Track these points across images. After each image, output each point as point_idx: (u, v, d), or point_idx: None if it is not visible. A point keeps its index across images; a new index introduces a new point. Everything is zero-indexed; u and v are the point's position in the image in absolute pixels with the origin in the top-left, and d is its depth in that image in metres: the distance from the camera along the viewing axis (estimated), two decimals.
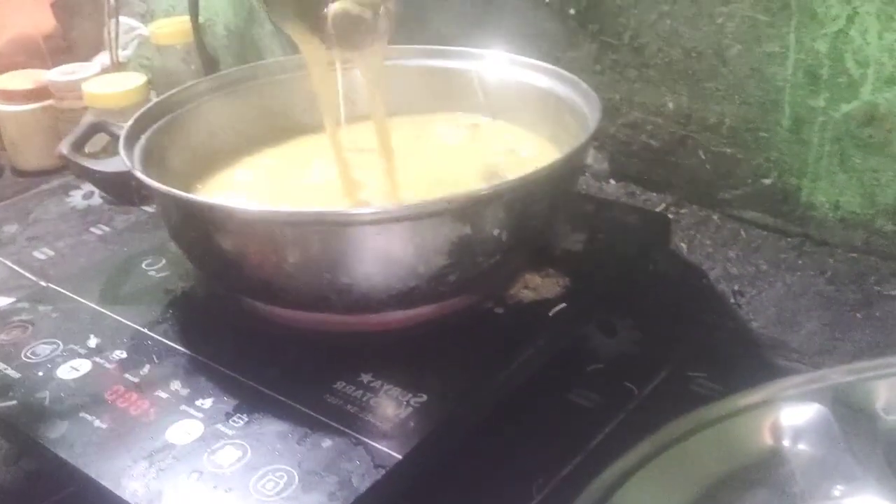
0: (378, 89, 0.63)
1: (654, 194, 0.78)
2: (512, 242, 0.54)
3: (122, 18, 1.03)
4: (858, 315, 0.64)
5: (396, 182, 0.63)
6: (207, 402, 0.50)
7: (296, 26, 0.59)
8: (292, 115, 0.71)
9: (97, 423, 0.49)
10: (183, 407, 0.50)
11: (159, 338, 0.56)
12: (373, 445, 0.46)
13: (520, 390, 0.54)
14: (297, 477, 0.45)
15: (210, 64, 0.97)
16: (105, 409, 0.50)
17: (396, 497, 0.47)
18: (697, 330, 0.64)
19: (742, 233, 0.73)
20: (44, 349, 0.56)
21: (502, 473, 0.52)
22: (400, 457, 0.46)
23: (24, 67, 1.03)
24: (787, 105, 0.68)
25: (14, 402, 0.52)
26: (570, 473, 0.51)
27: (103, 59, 1.02)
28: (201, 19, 0.98)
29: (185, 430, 0.48)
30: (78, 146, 0.62)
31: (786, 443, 0.48)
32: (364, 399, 0.50)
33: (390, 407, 0.49)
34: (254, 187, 0.66)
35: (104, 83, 0.89)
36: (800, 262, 0.69)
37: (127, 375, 0.53)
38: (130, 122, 0.62)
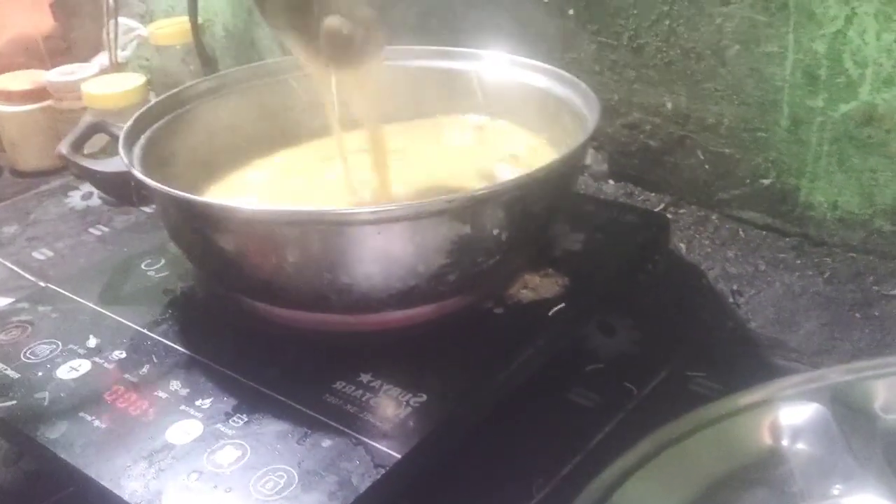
0: (373, 101, 0.62)
1: (653, 194, 0.78)
2: (511, 242, 0.54)
3: (121, 19, 1.03)
4: (857, 315, 0.64)
5: (388, 183, 0.62)
6: (207, 402, 0.50)
7: (292, 36, 0.58)
8: (292, 116, 0.71)
9: (97, 423, 0.49)
10: (182, 407, 0.50)
11: (159, 338, 0.57)
12: (372, 445, 0.46)
13: (519, 390, 0.54)
14: (296, 477, 0.45)
15: (209, 64, 0.97)
16: (104, 409, 0.50)
17: (396, 497, 0.47)
18: (697, 330, 0.65)
19: (741, 233, 0.73)
20: (43, 349, 0.56)
21: (502, 473, 0.52)
22: (399, 456, 0.46)
23: (23, 68, 1.03)
24: (786, 105, 0.68)
25: (14, 402, 0.52)
26: (569, 473, 0.51)
27: (102, 59, 1.02)
28: (200, 20, 0.98)
29: (184, 430, 0.49)
30: (77, 146, 0.62)
31: (785, 442, 0.48)
32: (364, 399, 0.50)
33: (390, 407, 0.49)
34: (262, 188, 0.66)
35: (103, 84, 0.89)
36: (798, 261, 0.69)
37: (126, 375, 0.53)
38: (130, 121, 0.62)
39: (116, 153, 0.59)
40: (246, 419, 0.49)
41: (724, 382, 0.58)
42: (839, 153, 0.67)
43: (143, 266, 0.65)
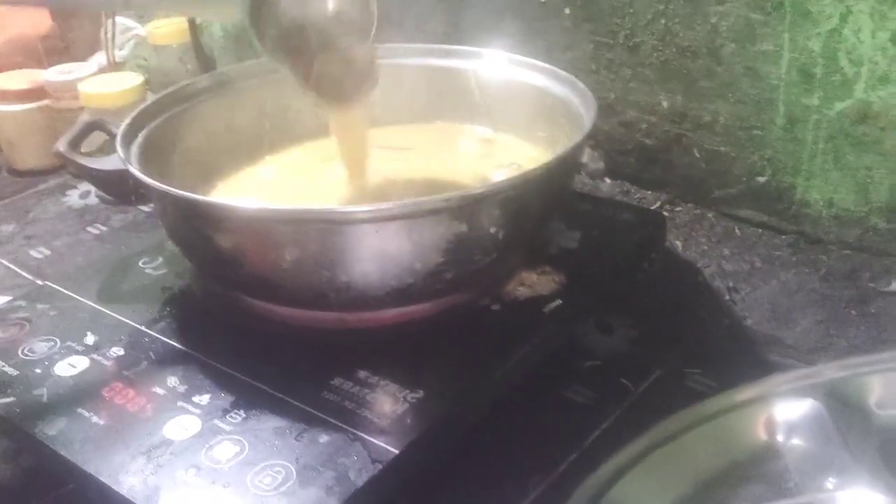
0: (363, 130, 0.63)
1: (649, 192, 0.79)
2: (508, 241, 0.54)
3: (118, 18, 1.03)
4: (853, 312, 0.64)
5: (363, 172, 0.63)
6: (205, 399, 0.50)
7: (290, 71, 0.59)
8: (291, 115, 0.71)
9: (95, 419, 0.49)
10: (180, 403, 0.50)
11: (156, 335, 0.57)
12: (370, 441, 0.47)
13: (516, 387, 0.54)
14: (294, 472, 0.45)
15: (207, 64, 0.97)
16: (103, 405, 0.51)
17: (393, 492, 0.47)
18: (693, 327, 0.65)
19: (737, 230, 0.73)
20: (41, 346, 0.56)
21: (498, 469, 0.52)
22: (397, 452, 0.46)
23: (20, 67, 1.03)
24: (782, 103, 0.68)
25: (12, 399, 0.52)
26: (566, 469, 0.52)
27: (100, 59, 1.02)
28: (198, 20, 0.98)
29: (182, 425, 0.49)
30: (75, 144, 0.62)
31: (780, 438, 0.48)
32: (361, 395, 0.50)
33: (387, 403, 0.49)
34: (261, 186, 0.66)
35: (101, 83, 0.89)
36: (794, 259, 0.70)
37: (124, 372, 0.53)
38: (127, 119, 0.62)
39: (114, 152, 0.59)
40: (244, 415, 0.49)
41: (720, 379, 0.58)
42: (834, 151, 0.67)
43: (140, 264, 0.65)
